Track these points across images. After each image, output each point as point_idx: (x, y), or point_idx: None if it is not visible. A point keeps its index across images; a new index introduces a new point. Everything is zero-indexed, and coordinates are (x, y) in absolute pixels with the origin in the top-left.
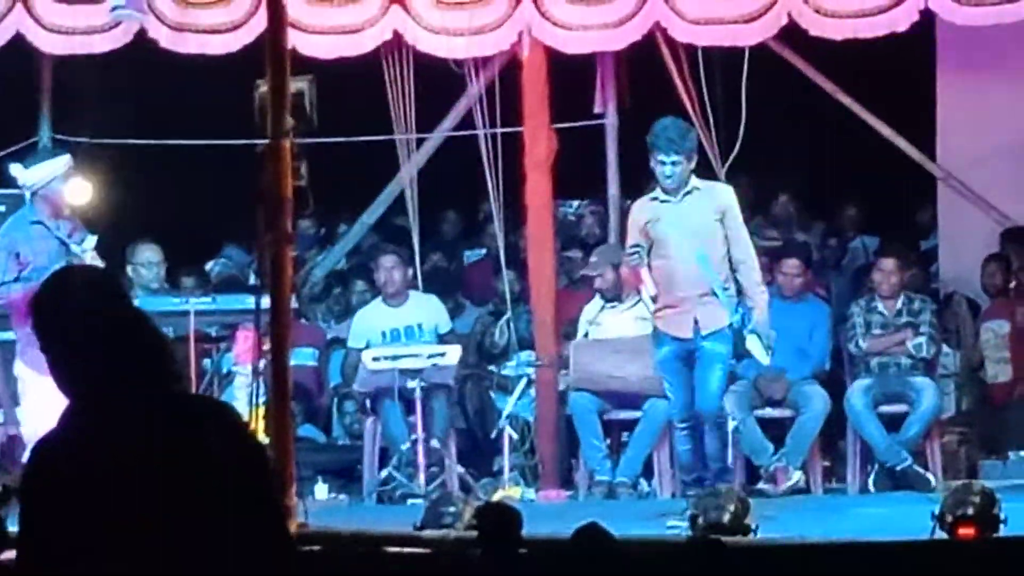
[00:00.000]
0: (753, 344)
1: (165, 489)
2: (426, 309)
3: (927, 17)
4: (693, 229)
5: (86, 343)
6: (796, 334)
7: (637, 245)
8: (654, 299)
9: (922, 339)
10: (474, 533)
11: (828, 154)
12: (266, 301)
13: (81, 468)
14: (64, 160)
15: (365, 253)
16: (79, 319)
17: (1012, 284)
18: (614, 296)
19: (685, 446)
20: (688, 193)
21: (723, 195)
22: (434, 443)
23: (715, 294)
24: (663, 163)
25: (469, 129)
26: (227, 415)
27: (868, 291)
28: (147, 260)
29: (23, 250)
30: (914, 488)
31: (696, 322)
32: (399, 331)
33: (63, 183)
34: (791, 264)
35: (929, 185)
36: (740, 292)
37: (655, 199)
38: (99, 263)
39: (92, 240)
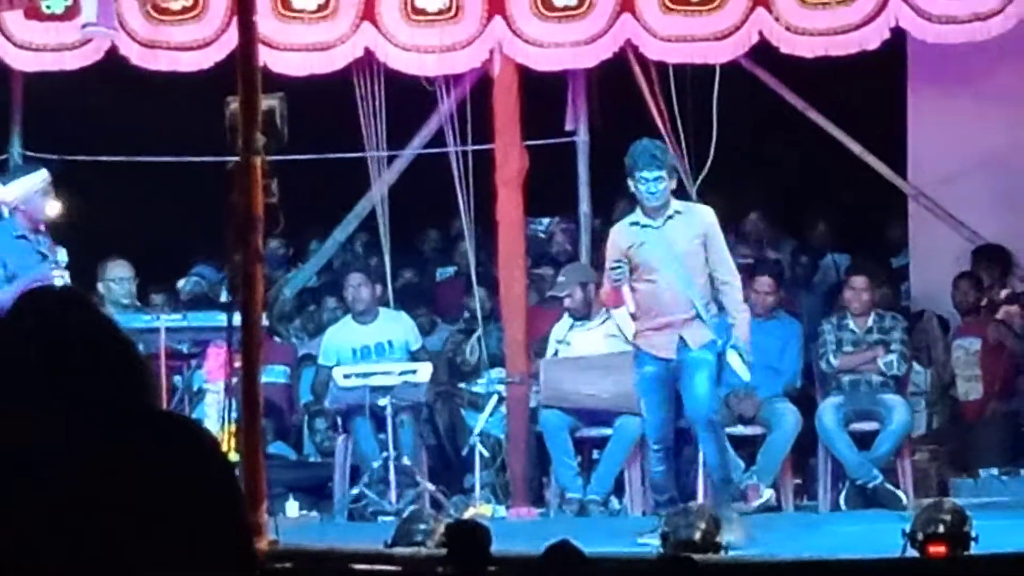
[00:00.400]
0: (734, 360)
1: (113, 508)
2: (396, 326)
3: (898, 35)
4: (677, 253)
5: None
6: (767, 351)
7: (619, 262)
8: (634, 316)
9: (893, 356)
10: (444, 551)
11: (799, 172)
12: (237, 318)
13: (10, 488)
14: (41, 175)
15: (337, 271)
16: (61, 332)
17: (983, 302)
18: (583, 315)
19: (658, 467)
20: (670, 217)
21: (704, 217)
22: (405, 460)
23: (699, 316)
24: (647, 180)
25: (440, 146)
26: (193, 431)
27: (839, 309)
28: (118, 276)
29: (9, 261)
30: (885, 506)
31: (681, 339)
32: (369, 348)
33: (42, 198)
34: (763, 282)
35: (900, 202)
36: (721, 310)
37: (636, 224)
38: (66, 278)
39: (63, 254)
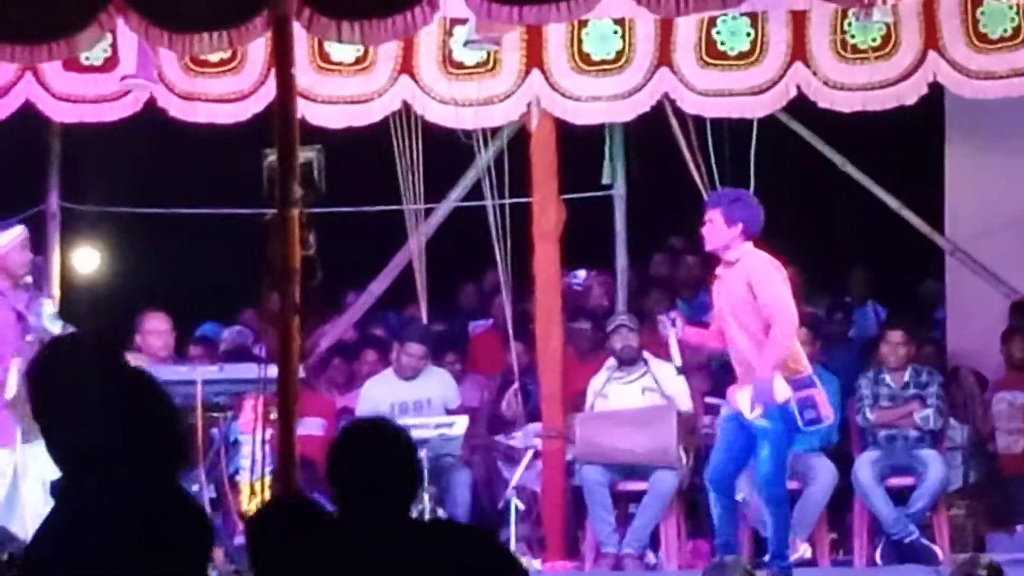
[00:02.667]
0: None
1: None
2: (437, 384)
3: (935, 90)
4: (731, 304)
5: (88, 409)
6: None
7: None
8: (679, 370)
9: (929, 411)
10: None
11: (836, 226)
12: (272, 370)
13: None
14: (18, 230)
15: (377, 322)
16: (83, 384)
17: None
18: (631, 360)
19: (713, 509)
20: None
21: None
22: (440, 513)
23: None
24: None
25: (477, 199)
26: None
27: (876, 363)
28: (155, 329)
29: None
30: (921, 561)
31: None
32: (408, 404)
33: (19, 253)
34: (799, 333)
35: (937, 257)
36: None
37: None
38: (58, 327)
39: (50, 305)
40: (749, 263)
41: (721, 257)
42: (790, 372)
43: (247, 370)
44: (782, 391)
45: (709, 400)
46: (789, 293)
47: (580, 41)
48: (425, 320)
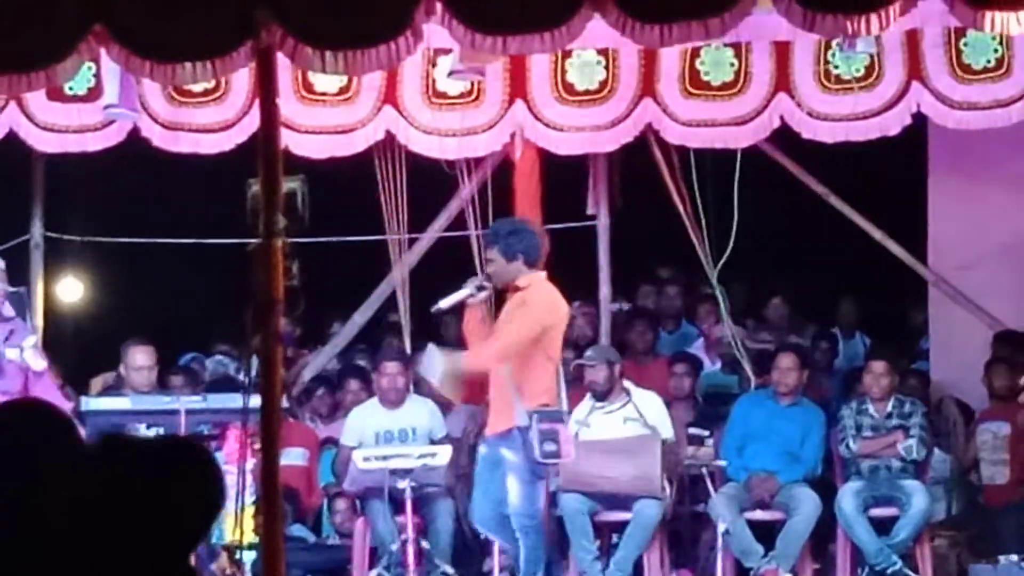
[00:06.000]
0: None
1: None
2: (422, 413)
3: (919, 120)
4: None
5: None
6: (789, 438)
7: None
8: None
9: (913, 442)
10: None
11: (820, 257)
12: (255, 400)
13: None
14: None
15: (360, 352)
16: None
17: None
18: (606, 393)
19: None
20: None
21: None
22: (424, 544)
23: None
24: None
25: (461, 229)
26: None
27: (859, 393)
28: (139, 364)
29: None
30: None
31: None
32: (392, 433)
33: None
34: (786, 359)
35: (920, 288)
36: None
37: None
38: (41, 362)
39: (31, 339)
40: (529, 292)
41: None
42: (540, 405)
43: (230, 400)
44: (520, 416)
45: (692, 431)
46: (534, 333)
47: (564, 71)
48: (409, 351)
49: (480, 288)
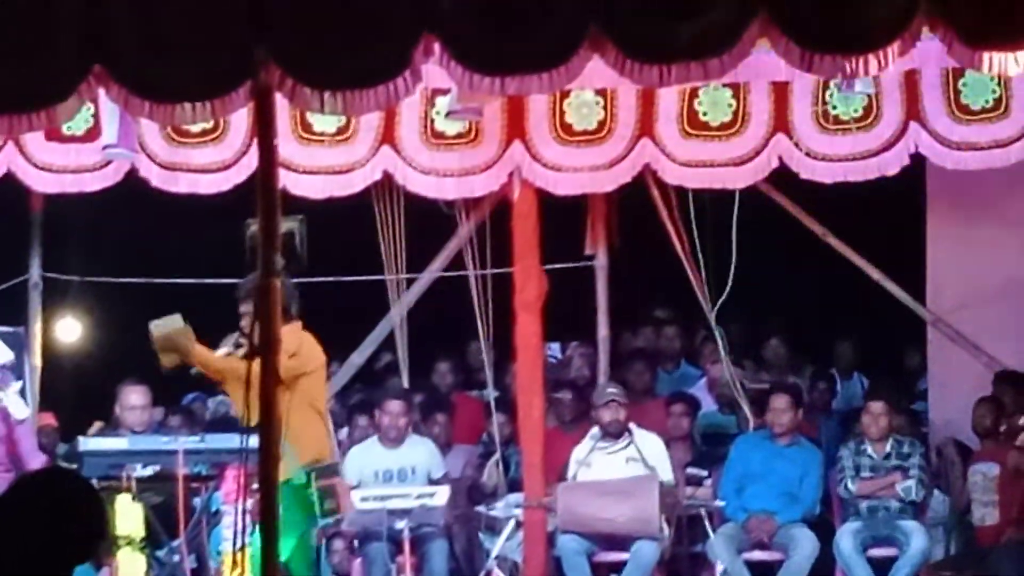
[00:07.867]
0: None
1: None
2: (421, 453)
3: (917, 161)
4: None
5: None
6: (787, 478)
7: None
8: None
9: (911, 482)
10: None
11: (818, 297)
12: (254, 440)
13: None
14: None
15: (358, 392)
16: None
17: (1003, 427)
18: (618, 432)
19: None
20: None
21: None
22: None
23: None
24: None
25: (459, 269)
26: None
27: (857, 434)
28: (133, 404)
29: None
30: None
31: None
32: (392, 472)
33: None
34: (780, 400)
35: (919, 328)
36: None
37: None
38: (25, 409)
39: (16, 385)
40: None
41: None
42: (314, 461)
43: (229, 440)
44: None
45: (690, 471)
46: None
47: (562, 112)
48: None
49: (237, 345)
